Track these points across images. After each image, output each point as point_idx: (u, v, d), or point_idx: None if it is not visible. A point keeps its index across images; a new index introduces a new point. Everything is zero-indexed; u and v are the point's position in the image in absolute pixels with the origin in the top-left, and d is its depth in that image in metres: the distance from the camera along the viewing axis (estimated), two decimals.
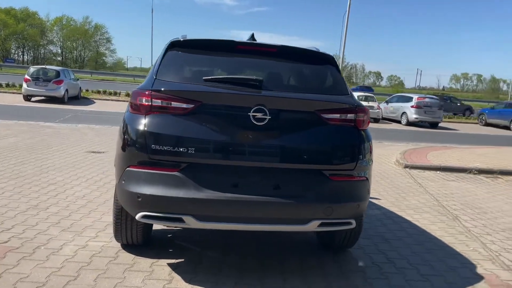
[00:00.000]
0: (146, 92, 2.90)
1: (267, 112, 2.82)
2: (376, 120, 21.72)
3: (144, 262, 3.20)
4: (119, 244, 3.49)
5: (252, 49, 3.20)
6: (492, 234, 4.54)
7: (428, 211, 5.29)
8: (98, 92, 23.81)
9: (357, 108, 3.03)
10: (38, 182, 5.30)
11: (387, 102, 22.50)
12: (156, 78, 2.99)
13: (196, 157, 2.77)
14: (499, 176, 8.58)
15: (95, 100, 21.06)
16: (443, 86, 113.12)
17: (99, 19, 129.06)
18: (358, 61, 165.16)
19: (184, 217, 2.77)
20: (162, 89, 2.89)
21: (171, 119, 2.84)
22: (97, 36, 76.53)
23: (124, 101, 23.52)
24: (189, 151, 2.76)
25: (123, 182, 2.90)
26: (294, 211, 2.83)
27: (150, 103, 2.87)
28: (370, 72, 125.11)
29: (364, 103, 21.19)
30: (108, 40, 77.79)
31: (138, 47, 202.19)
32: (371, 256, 3.63)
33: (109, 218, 4.13)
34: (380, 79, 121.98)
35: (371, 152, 3.09)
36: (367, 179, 3.05)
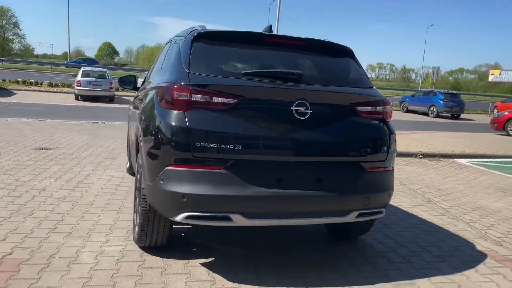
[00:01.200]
0: (185, 87, 2.75)
1: (308, 106, 2.82)
2: None
3: (176, 264, 3.07)
4: (136, 247, 3.31)
5: (280, 41, 3.16)
6: (468, 214, 4.96)
7: (403, 195, 5.63)
8: (17, 82, 21.95)
9: (384, 101, 3.14)
10: (2, 184, 4.83)
11: None
12: (189, 72, 2.85)
13: (242, 153, 2.70)
14: (441, 159, 9.34)
15: (15, 91, 19.38)
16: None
17: (5, 2, 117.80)
18: None
19: (232, 216, 2.70)
20: (203, 83, 2.76)
21: (213, 114, 2.74)
22: (3, 21, 70.00)
23: (47, 91, 22.00)
24: (236, 148, 2.69)
25: (161, 182, 2.75)
26: (337, 203, 2.88)
27: (189, 99, 2.74)
28: None
29: None
30: (16, 25, 71.58)
31: (49, 33, 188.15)
32: (382, 241, 3.81)
33: (108, 220, 3.91)
34: None
35: (395, 143, 3.22)
36: (393, 169, 3.19)
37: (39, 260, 2.99)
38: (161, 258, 3.15)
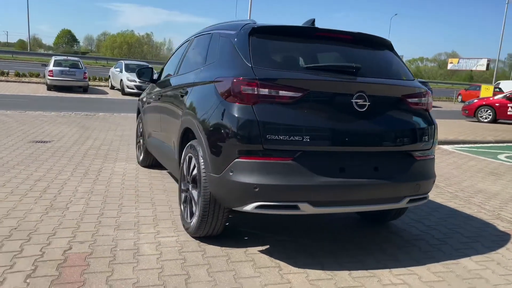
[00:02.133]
0: (252, 81, 2.84)
1: (367, 99, 2.98)
2: None
3: (236, 252, 3.18)
4: (189, 237, 3.39)
5: (330, 35, 3.28)
6: (474, 197, 5.29)
7: None
8: None
9: (427, 92, 3.34)
10: (19, 179, 4.77)
11: None
12: (253, 66, 2.93)
13: (309, 144, 2.82)
14: None
15: None
16: None
17: None
18: None
19: (300, 204, 2.83)
20: (270, 77, 2.86)
21: (280, 108, 2.84)
22: None
23: (15, 81, 21.19)
24: (304, 139, 2.81)
25: (231, 173, 2.84)
26: (392, 190, 3.07)
27: (257, 93, 2.83)
28: None
29: None
30: None
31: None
32: (413, 225, 4.05)
33: (147, 212, 3.96)
34: None
35: (437, 133, 3.44)
36: (434, 156, 3.41)
37: (103, 253, 3.02)
38: (219, 247, 3.24)
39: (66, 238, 3.26)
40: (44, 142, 7.25)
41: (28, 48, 56.03)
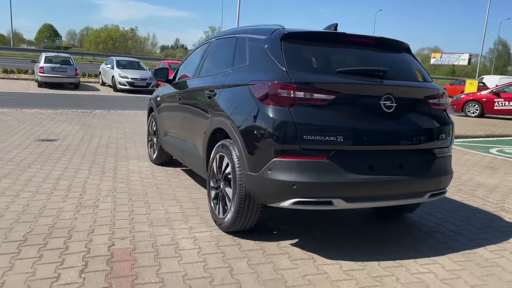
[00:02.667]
0: (289, 85, 3.02)
1: (393, 100, 3.20)
2: None
3: (269, 246, 3.37)
4: (222, 232, 3.56)
5: (356, 40, 3.48)
6: (476, 190, 5.58)
7: None
8: None
9: (444, 93, 3.57)
10: (39, 178, 4.91)
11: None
12: (287, 70, 3.12)
13: (341, 144, 3.03)
14: None
15: None
16: None
17: None
18: None
19: (334, 200, 3.04)
20: (305, 81, 3.05)
21: (315, 110, 3.04)
22: None
23: (4, 78, 20.93)
24: (337, 139, 3.01)
25: (269, 172, 3.03)
26: (416, 186, 3.30)
27: (294, 96, 3.02)
28: None
29: None
30: None
31: None
32: (426, 218, 4.29)
33: (174, 209, 4.12)
34: None
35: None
36: (451, 154, 3.65)
37: (145, 249, 3.18)
38: (253, 241, 3.42)
39: (106, 235, 3.40)
40: (50, 140, 7.31)
41: (12, 43, 55.00)
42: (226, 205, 3.48)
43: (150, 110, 6.20)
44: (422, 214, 4.37)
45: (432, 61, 62.03)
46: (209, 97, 3.91)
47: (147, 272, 2.84)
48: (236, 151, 3.28)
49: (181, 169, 5.79)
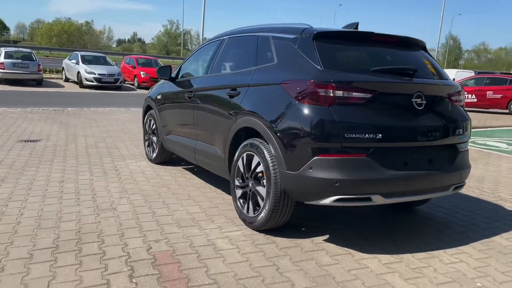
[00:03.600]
0: (328, 84, 3.08)
1: (423, 98, 3.33)
2: None
3: (305, 243, 3.42)
4: (252, 231, 3.58)
5: (382, 39, 3.58)
6: (469, 182, 5.86)
7: None
8: None
9: (461, 90, 3.74)
10: (40, 182, 4.75)
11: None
12: (324, 70, 3.17)
13: (379, 141, 3.12)
14: None
15: None
16: None
17: None
18: (192, 27, 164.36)
19: (373, 196, 3.14)
20: (344, 80, 3.11)
21: (354, 108, 3.12)
22: None
23: None
24: (376, 137, 3.11)
25: (310, 170, 3.08)
26: (444, 180, 3.45)
27: (334, 95, 3.08)
28: (205, 39, 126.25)
29: None
30: None
31: None
32: (436, 209, 4.49)
33: (194, 209, 4.10)
34: None
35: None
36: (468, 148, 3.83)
37: (185, 250, 3.16)
38: (287, 239, 3.47)
39: (138, 238, 3.35)
40: (33, 141, 7.04)
41: None
42: (258, 204, 3.50)
43: (147, 109, 6.08)
44: (431, 206, 4.55)
45: None
46: (231, 96, 3.90)
47: (197, 273, 2.83)
48: (272, 150, 3.30)
49: (183, 168, 5.74)
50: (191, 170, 5.62)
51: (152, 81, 19.47)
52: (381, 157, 3.14)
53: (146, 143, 6.12)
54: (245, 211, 3.66)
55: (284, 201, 3.32)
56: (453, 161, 3.52)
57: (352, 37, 3.52)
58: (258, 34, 3.96)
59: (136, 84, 20.39)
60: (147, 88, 19.81)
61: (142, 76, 19.91)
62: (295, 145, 3.15)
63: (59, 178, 4.88)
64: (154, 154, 5.80)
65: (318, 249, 3.32)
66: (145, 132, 6.15)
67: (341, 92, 3.08)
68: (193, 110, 4.60)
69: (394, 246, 3.46)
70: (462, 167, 3.57)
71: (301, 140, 3.11)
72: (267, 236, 3.50)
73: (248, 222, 3.60)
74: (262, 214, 3.42)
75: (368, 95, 3.13)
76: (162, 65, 5.60)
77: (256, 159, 3.49)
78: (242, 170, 3.70)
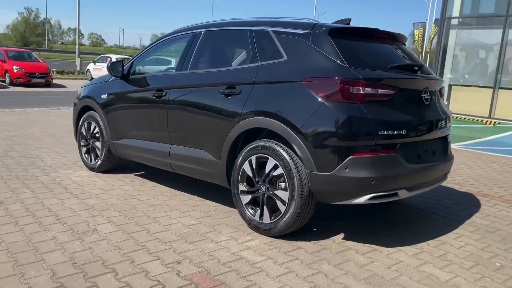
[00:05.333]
0: (358, 82, 3.03)
1: (429, 93, 3.48)
2: None
3: (329, 244, 3.32)
4: (270, 238, 3.38)
5: (383, 36, 3.62)
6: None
7: None
8: None
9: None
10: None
11: (94, 62, 23.32)
12: (349, 67, 3.11)
13: (404, 137, 3.18)
14: None
15: None
16: (143, 45, 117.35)
17: None
18: (52, 15, 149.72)
19: (399, 191, 3.19)
20: (372, 77, 3.09)
21: (380, 105, 3.12)
22: None
23: None
24: (402, 133, 3.16)
25: (346, 170, 3.01)
26: (443, 170, 3.66)
27: (363, 92, 3.04)
28: (69, 29, 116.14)
29: None
30: None
31: None
32: (423, 201, 4.76)
33: (190, 220, 3.74)
34: (81, 37, 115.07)
35: None
36: None
37: (219, 269, 2.84)
38: (309, 242, 3.34)
39: (154, 261, 2.92)
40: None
41: None
42: (276, 209, 3.31)
43: (84, 110, 5.35)
44: (419, 198, 4.72)
45: None
46: (228, 95, 3.60)
47: None
48: (297, 151, 3.13)
49: (135, 175, 5.20)
50: (146, 177, 5.11)
51: (28, 77, 17.34)
52: (403, 152, 3.19)
53: (84, 149, 5.38)
54: (257, 218, 3.42)
55: (309, 203, 3.18)
56: (446, 152, 3.75)
57: (361, 33, 3.50)
58: (249, 28, 3.71)
59: (8, 80, 17.86)
60: (23, 85, 17.56)
61: (15, 71, 17.51)
62: (328, 145, 3.02)
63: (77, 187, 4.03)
64: (99, 162, 5.12)
65: (346, 249, 3.26)
66: (81, 138, 5.39)
67: (370, 89, 3.05)
68: (166, 110, 4.15)
69: (403, 237, 3.57)
70: (451, 157, 3.82)
71: (334, 139, 3.00)
72: (288, 241, 3.34)
73: (264, 229, 3.38)
74: (285, 219, 3.23)
75: (391, 92, 3.15)
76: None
77: (272, 162, 3.28)
78: (250, 174, 3.45)
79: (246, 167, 3.46)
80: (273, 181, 3.32)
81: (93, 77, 23.12)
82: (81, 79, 24.39)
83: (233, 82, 3.58)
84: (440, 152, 3.65)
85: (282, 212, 3.25)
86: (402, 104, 3.24)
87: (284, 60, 3.36)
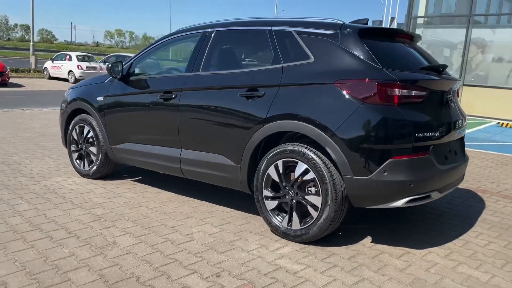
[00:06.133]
0: (395, 83, 2.99)
1: (451, 93, 3.51)
2: None
3: (361, 249, 3.26)
4: (301, 245, 3.29)
5: (405, 36, 3.60)
6: None
7: None
8: None
9: None
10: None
11: (104, 62, 22.45)
12: (383, 68, 3.07)
13: (436, 139, 3.18)
14: None
15: None
16: (97, 42, 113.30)
17: None
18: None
19: (432, 193, 3.19)
20: (407, 79, 3.05)
21: (416, 107, 3.09)
22: None
23: None
24: (436, 134, 3.15)
25: (385, 173, 2.97)
26: (464, 170, 3.70)
27: (400, 94, 3.00)
28: (16, 25, 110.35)
29: (85, 64, 20.28)
30: None
31: None
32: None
33: (210, 228, 3.60)
34: (29, 33, 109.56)
35: None
36: None
37: (262, 281, 2.72)
38: (341, 247, 3.27)
39: (191, 275, 2.76)
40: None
41: None
42: (306, 214, 3.23)
43: (74, 114, 5.04)
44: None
45: None
46: (249, 98, 3.47)
47: None
48: (332, 155, 3.05)
49: (132, 181, 4.96)
50: (145, 182, 4.89)
51: None
52: (435, 154, 3.19)
53: (75, 155, 5.07)
54: (284, 224, 3.32)
55: (343, 207, 3.12)
56: (464, 152, 3.79)
57: (386, 34, 3.47)
58: (268, 28, 3.59)
59: None
60: None
61: None
62: (366, 149, 2.96)
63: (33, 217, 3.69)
64: (94, 168, 4.84)
65: (379, 252, 3.22)
66: (72, 143, 5.08)
67: (406, 91, 3.02)
68: (176, 113, 3.95)
69: (429, 237, 3.57)
70: (467, 157, 3.87)
71: (372, 143, 2.95)
72: (319, 247, 3.26)
73: (293, 236, 3.28)
74: (319, 224, 3.15)
75: (423, 93, 3.13)
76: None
77: (302, 166, 3.19)
78: (276, 179, 3.34)
79: (271, 171, 3.35)
80: (303, 186, 3.23)
81: (51, 75, 22.15)
82: (38, 77, 23.30)
83: (255, 84, 3.45)
84: (460, 152, 3.68)
85: (315, 218, 3.16)
86: (432, 105, 3.23)
87: (311, 62, 3.26)
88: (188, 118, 3.86)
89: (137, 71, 4.50)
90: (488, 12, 14.84)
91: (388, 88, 2.95)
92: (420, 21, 15.19)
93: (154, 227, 3.53)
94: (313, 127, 3.11)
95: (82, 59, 21.62)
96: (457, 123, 3.50)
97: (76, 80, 20.94)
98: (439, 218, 4.08)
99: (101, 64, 22.19)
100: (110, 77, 4.59)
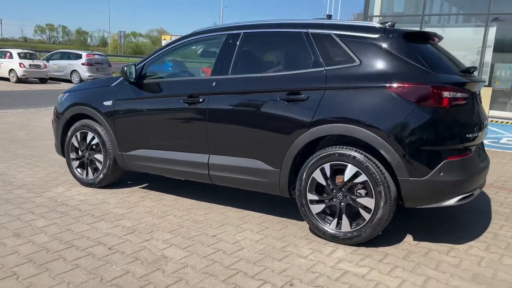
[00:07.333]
0: (447, 86, 3.09)
1: (479, 94, 3.68)
2: (43, 81, 20.16)
3: (409, 247, 3.34)
4: (352, 247, 3.31)
5: (435, 39, 3.68)
6: None
7: None
8: None
9: None
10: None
11: (47, 59, 21.21)
12: (431, 71, 3.14)
13: (478, 139, 3.35)
14: None
15: None
16: (25, 37, 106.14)
17: None
18: None
19: (475, 191, 3.35)
20: (455, 82, 3.17)
21: (462, 109, 3.22)
22: None
23: None
24: (476, 134, 3.30)
25: (441, 174, 3.06)
26: (487, 172, 3.89)
27: (451, 96, 3.11)
28: None
29: (28, 62, 19.07)
30: None
31: None
32: None
33: (250, 234, 3.54)
34: None
35: None
36: None
37: (333, 285, 2.73)
38: (389, 247, 3.32)
39: (263, 285, 2.70)
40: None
41: None
42: (357, 217, 3.26)
43: (73, 120, 4.73)
44: None
45: (163, 42, 64.58)
46: (290, 101, 3.43)
47: None
48: (387, 157, 3.10)
49: (140, 188, 4.76)
50: (155, 189, 4.71)
51: None
52: (475, 153, 3.34)
53: (76, 163, 4.76)
54: (333, 227, 3.33)
55: (395, 208, 3.19)
56: (485, 151, 3.98)
57: (424, 37, 3.54)
58: (304, 30, 3.55)
59: None
60: None
61: None
62: (422, 151, 3.04)
63: (8, 232, 3.39)
64: (101, 176, 4.57)
65: (427, 250, 3.32)
66: (71, 150, 4.76)
67: (456, 93, 3.13)
68: (204, 118, 3.83)
69: (460, 232, 3.73)
70: (489, 159, 4.06)
71: (428, 144, 3.03)
72: (370, 248, 3.30)
73: (343, 238, 3.30)
74: (372, 226, 3.19)
75: (467, 95, 3.25)
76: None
77: (352, 169, 3.21)
78: (322, 182, 3.34)
79: (317, 175, 3.34)
80: (352, 189, 3.25)
81: None
82: None
83: (296, 88, 3.41)
84: (483, 152, 3.86)
85: (367, 219, 3.19)
86: (469, 107, 3.37)
87: (357, 65, 3.28)
88: (218, 123, 3.74)
89: (150, 74, 4.29)
90: (441, 12, 15.69)
91: (442, 91, 3.04)
92: (375, 20, 15.75)
93: (195, 237, 3.40)
94: (366, 130, 3.13)
95: (24, 56, 20.22)
96: (485, 122, 3.66)
97: (19, 79, 19.62)
98: (456, 214, 4.24)
99: (45, 62, 20.93)
100: (119, 80, 4.35)
